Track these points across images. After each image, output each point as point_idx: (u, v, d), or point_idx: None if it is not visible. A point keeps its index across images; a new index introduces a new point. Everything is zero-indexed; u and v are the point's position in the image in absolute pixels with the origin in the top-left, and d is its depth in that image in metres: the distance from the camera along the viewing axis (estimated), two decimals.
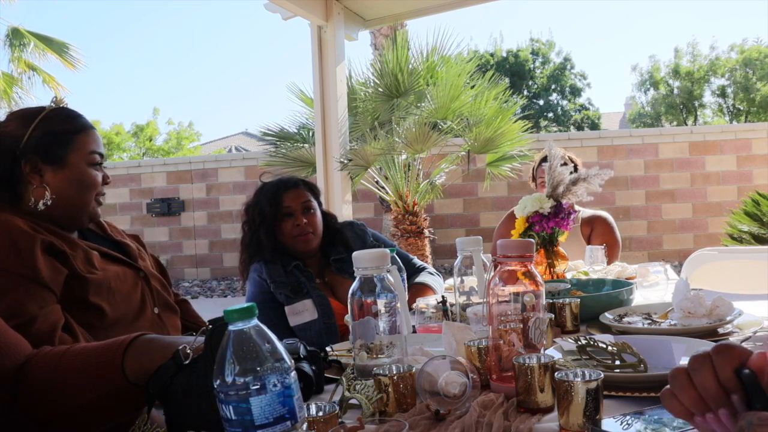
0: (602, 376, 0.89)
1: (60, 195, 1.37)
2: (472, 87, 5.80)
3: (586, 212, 3.20)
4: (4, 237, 1.24)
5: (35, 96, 10.18)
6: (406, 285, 1.65)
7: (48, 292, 1.24)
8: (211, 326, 0.86)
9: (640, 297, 1.96)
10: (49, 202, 1.36)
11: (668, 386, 0.70)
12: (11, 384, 0.94)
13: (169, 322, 1.49)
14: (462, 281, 1.59)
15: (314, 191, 2.23)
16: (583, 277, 2.22)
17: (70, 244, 1.35)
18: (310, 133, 5.91)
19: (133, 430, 0.93)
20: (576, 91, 21.28)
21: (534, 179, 3.39)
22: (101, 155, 1.45)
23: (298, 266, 2.10)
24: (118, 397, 0.92)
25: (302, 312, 2.01)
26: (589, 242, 3.08)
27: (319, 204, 2.24)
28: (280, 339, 0.77)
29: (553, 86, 21.09)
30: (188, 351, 0.88)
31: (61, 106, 1.45)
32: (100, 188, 1.44)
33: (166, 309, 1.50)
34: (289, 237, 2.12)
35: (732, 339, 1.38)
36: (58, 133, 1.38)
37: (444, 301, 1.68)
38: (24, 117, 1.38)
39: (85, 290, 1.30)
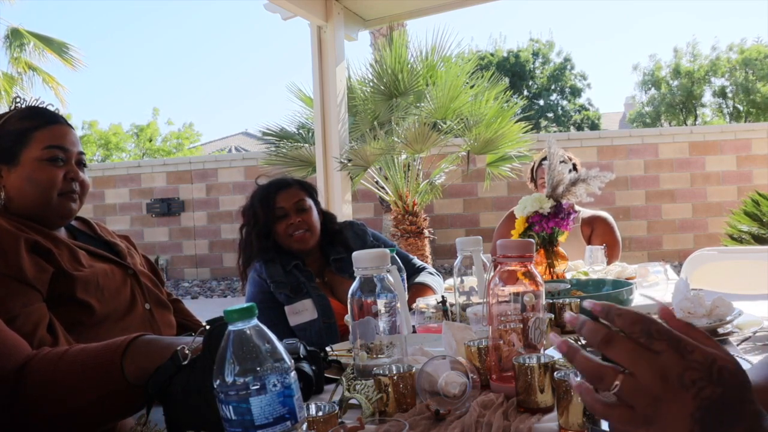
0: None
1: (18, 193, 1.37)
2: (472, 87, 5.78)
3: (586, 212, 3.20)
4: None
5: (35, 96, 10.17)
6: (406, 285, 1.65)
7: (32, 291, 1.24)
8: (209, 326, 0.86)
9: (640, 297, 1.96)
10: (2, 201, 1.36)
11: None
12: (11, 385, 0.94)
13: (161, 319, 1.49)
14: (462, 281, 1.59)
15: (309, 190, 2.23)
16: (583, 277, 2.22)
17: (54, 241, 1.34)
18: (310, 133, 5.90)
19: (134, 430, 0.93)
20: (576, 92, 21.28)
21: (533, 180, 3.38)
22: (64, 150, 1.39)
23: (297, 266, 2.11)
24: (117, 398, 0.92)
25: (302, 312, 2.01)
26: (589, 242, 3.08)
27: (316, 203, 2.24)
28: (280, 339, 0.76)
29: (553, 86, 21.09)
30: (187, 351, 0.88)
31: (31, 105, 1.43)
32: (61, 185, 1.38)
33: (158, 305, 1.50)
34: (285, 237, 2.13)
35: (732, 339, 1.38)
36: (15, 131, 1.38)
37: (444, 301, 1.68)
38: None
39: (73, 287, 1.30)
